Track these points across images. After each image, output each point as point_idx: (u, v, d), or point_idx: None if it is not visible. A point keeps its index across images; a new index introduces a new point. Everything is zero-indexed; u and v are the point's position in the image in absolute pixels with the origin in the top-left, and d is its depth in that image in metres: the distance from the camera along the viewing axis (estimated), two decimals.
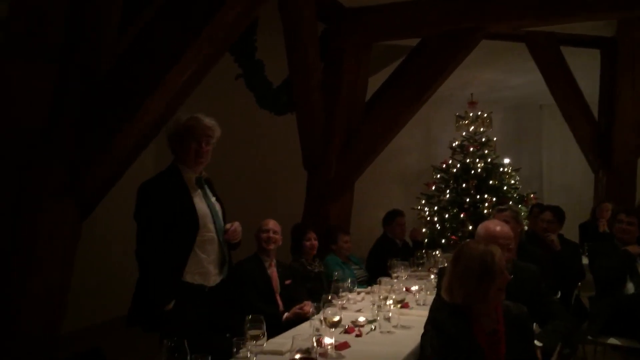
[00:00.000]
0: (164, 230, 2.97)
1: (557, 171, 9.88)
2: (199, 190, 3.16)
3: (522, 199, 8.04)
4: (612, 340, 4.22)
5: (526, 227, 6.02)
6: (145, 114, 3.17)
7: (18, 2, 3.02)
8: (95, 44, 3.14)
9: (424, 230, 7.84)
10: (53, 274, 3.15)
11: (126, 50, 3.25)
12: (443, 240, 7.76)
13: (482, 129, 8.38)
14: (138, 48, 3.23)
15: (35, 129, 3.06)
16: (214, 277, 3.14)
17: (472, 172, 8.03)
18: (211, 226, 3.13)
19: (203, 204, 3.14)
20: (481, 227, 3.09)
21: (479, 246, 2.41)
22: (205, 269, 3.10)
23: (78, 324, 5.63)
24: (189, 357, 2.17)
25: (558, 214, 5.37)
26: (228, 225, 3.21)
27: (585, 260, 5.28)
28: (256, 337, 2.48)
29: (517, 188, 8.20)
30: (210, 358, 2.20)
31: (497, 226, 3.07)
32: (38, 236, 3.03)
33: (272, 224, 4.24)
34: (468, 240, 2.89)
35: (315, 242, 4.89)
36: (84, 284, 5.18)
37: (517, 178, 8.31)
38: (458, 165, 8.23)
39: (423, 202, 8.35)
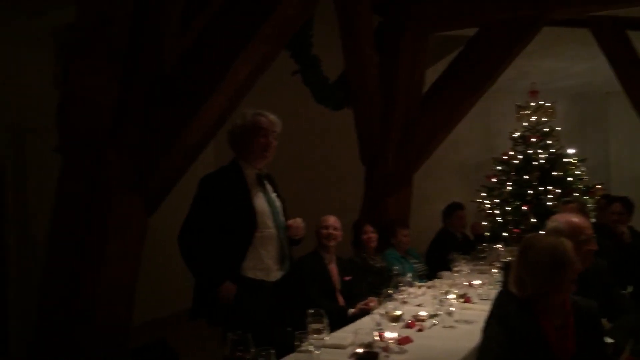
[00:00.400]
0: (219, 225, 3.02)
1: (626, 161, 9.47)
2: (259, 187, 3.20)
3: (588, 190, 7.76)
4: None
5: (593, 220, 5.81)
6: (208, 110, 3.24)
7: (84, 6, 3.13)
8: (158, 44, 3.22)
9: (484, 223, 7.69)
10: (122, 268, 3.27)
11: (188, 49, 3.34)
12: (505, 234, 7.58)
13: (544, 119, 8.13)
14: (200, 46, 3.31)
15: (103, 126, 3.17)
16: (274, 273, 3.18)
17: (535, 163, 7.81)
18: (270, 222, 3.17)
19: (262, 201, 3.17)
20: (559, 222, 2.93)
21: (549, 238, 2.37)
22: (266, 264, 3.14)
23: (145, 316, 5.81)
24: (252, 351, 2.21)
25: (627, 205, 5.17)
26: (290, 222, 3.23)
27: None
28: (318, 331, 2.49)
29: (582, 179, 7.92)
30: (273, 351, 2.23)
31: (574, 218, 2.97)
32: (108, 231, 3.15)
33: (332, 221, 4.24)
34: (534, 233, 2.81)
35: (373, 235, 4.88)
36: (150, 277, 5.34)
37: (583, 169, 8.03)
38: (520, 157, 8.02)
39: (483, 194, 8.18)
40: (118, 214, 3.19)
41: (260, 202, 3.17)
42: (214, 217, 3.04)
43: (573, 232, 2.80)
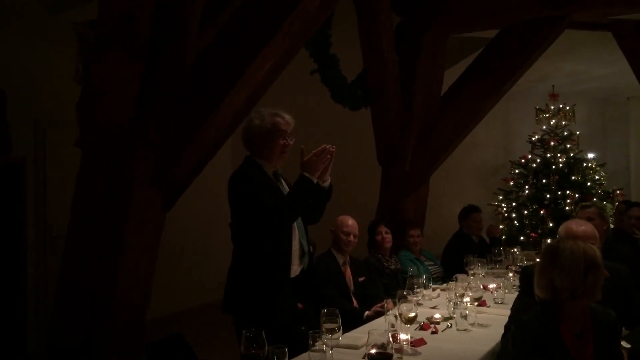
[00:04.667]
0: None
1: None
2: (278, 184, 3.22)
3: (607, 195, 7.68)
4: None
5: (612, 225, 5.75)
6: (227, 107, 3.25)
7: (106, 2, 3.16)
8: (179, 40, 3.25)
9: (501, 226, 7.64)
10: (139, 261, 3.30)
11: (209, 45, 3.36)
12: (522, 238, 7.53)
13: (564, 123, 8.05)
14: (220, 43, 3.33)
15: (124, 122, 3.19)
16: (295, 268, 3.18)
17: (553, 167, 7.74)
18: None
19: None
20: (562, 227, 2.96)
21: (577, 242, 2.34)
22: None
23: (160, 311, 5.85)
24: (266, 348, 2.21)
25: None
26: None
27: None
28: (332, 331, 2.49)
29: (602, 184, 7.84)
30: (287, 350, 2.24)
31: (580, 226, 2.93)
32: (126, 225, 3.18)
33: (352, 226, 4.21)
34: (556, 238, 2.79)
35: (387, 236, 4.87)
36: (166, 272, 5.39)
37: (602, 173, 7.94)
38: (538, 160, 7.96)
39: (500, 197, 8.13)
40: (136, 208, 3.21)
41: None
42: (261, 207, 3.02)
43: (584, 239, 2.76)
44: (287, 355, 2.24)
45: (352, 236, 4.18)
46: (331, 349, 2.50)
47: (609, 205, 7.25)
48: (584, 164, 7.85)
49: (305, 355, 2.59)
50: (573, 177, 7.65)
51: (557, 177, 7.67)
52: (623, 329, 2.91)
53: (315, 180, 2.97)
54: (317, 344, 2.51)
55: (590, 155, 8.04)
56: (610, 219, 6.03)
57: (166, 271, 5.26)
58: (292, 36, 3.29)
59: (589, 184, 7.68)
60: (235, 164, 3.29)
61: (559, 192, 7.58)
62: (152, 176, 3.24)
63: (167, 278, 5.84)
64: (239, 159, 3.33)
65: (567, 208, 7.32)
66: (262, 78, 3.32)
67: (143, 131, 3.21)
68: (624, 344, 2.66)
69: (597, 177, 7.84)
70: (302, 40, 3.58)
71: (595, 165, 7.94)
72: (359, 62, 5.50)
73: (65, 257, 3.31)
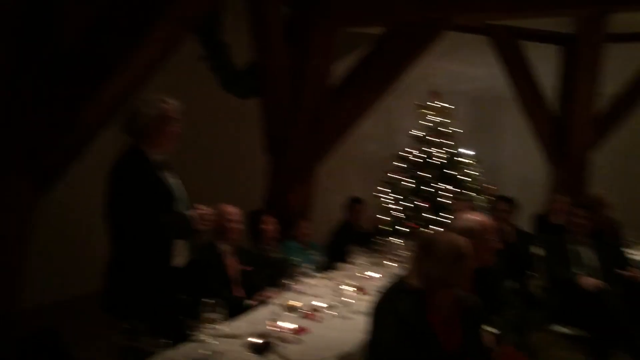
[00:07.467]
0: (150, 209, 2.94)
1: (515, 163, 10.05)
2: (163, 173, 3.14)
3: (481, 190, 8.17)
4: (562, 329, 4.38)
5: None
6: (108, 93, 3.12)
7: None
8: (57, 20, 3.06)
9: (383, 218, 7.91)
10: (7, 250, 3.08)
11: (90, 27, 3.18)
12: (403, 228, 7.84)
13: (443, 120, 8.46)
14: (102, 25, 3.17)
15: None
16: (177, 259, 3.12)
17: (433, 161, 8.12)
18: (177, 207, 3.12)
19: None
20: (471, 220, 3.02)
21: (450, 234, 2.52)
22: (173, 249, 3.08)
23: (36, 300, 5.52)
24: (145, 340, 2.16)
25: (512, 203, 5.54)
26: (204, 209, 3.16)
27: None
28: (213, 321, 2.48)
29: (476, 179, 8.33)
30: (167, 341, 2.20)
31: (484, 217, 3.08)
32: None
33: (235, 212, 4.18)
34: (431, 231, 2.95)
35: (273, 226, 4.89)
36: (45, 261, 5.10)
37: (477, 169, 8.44)
38: (419, 155, 8.31)
39: (384, 189, 8.40)
40: (3, 192, 3.00)
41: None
42: (147, 199, 2.94)
43: (484, 230, 2.93)
44: (168, 346, 2.20)
45: (236, 222, 4.16)
46: (213, 339, 2.49)
47: (482, 199, 7.74)
48: (461, 160, 8.30)
49: (187, 345, 2.55)
50: (450, 172, 8.07)
51: (435, 171, 8.05)
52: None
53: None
54: (199, 333, 2.48)
55: (467, 152, 8.51)
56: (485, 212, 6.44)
57: (43, 259, 4.97)
58: (178, 21, 3.20)
59: (464, 178, 8.13)
60: (117, 149, 3.15)
61: (438, 186, 7.96)
62: (22, 160, 3.04)
63: (44, 266, 5.54)
64: (122, 144, 3.20)
65: (443, 201, 7.71)
66: (147, 62, 3.21)
67: (13, 114, 3.00)
68: (492, 330, 2.84)
69: (472, 173, 8.32)
70: (189, 27, 3.50)
71: (470, 161, 8.41)
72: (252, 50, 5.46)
73: None
